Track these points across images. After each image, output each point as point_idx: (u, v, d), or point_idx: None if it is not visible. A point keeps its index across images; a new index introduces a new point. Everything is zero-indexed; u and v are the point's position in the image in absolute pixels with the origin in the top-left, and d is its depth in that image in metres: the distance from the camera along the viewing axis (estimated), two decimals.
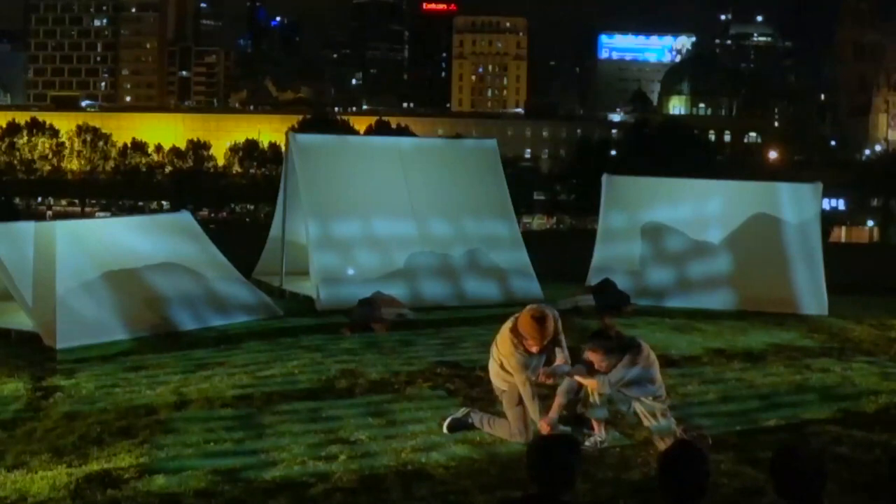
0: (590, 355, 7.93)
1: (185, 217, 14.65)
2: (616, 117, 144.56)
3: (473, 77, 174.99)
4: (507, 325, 8.22)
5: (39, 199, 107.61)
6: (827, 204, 71.61)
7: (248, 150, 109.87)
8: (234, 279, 13.92)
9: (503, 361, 8.18)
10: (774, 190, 16.11)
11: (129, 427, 8.48)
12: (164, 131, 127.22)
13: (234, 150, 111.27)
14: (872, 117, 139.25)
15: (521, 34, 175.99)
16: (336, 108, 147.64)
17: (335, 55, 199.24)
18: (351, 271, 14.53)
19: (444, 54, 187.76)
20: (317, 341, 11.96)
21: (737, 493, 7.01)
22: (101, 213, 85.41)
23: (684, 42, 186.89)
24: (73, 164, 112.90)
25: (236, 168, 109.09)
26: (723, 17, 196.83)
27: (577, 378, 8.00)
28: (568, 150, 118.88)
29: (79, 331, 11.75)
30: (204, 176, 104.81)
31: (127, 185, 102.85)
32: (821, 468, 4.55)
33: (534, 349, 8.06)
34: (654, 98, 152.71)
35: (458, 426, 8.33)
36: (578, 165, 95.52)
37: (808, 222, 15.22)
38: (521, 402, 8.19)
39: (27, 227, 12.83)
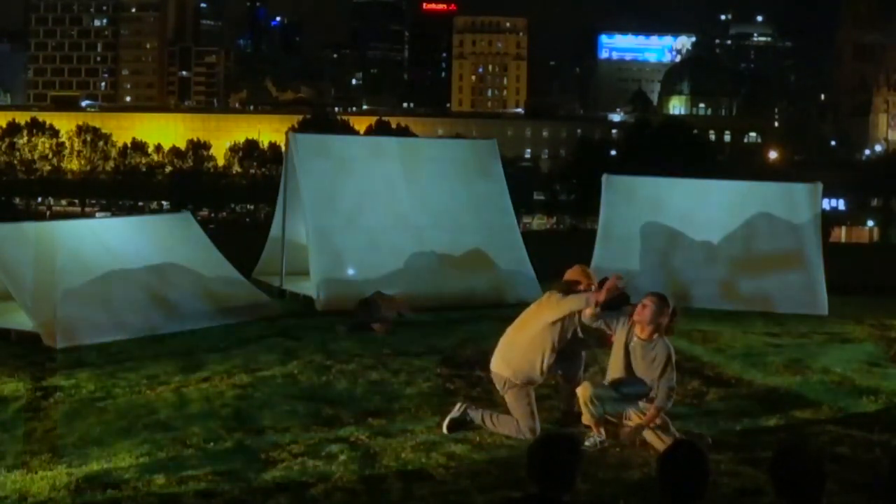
0: (646, 299, 7.99)
1: (185, 217, 14.65)
2: (616, 117, 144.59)
3: (473, 77, 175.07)
4: (544, 297, 8.49)
5: (39, 199, 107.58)
6: (827, 204, 71.49)
7: (248, 150, 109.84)
8: (233, 279, 13.91)
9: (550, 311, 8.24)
10: (774, 190, 16.10)
11: (129, 427, 8.48)
12: (164, 131, 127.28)
13: (234, 150, 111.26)
14: (872, 117, 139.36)
15: (521, 34, 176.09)
16: (336, 108, 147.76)
17: (335, 55, 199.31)
18: (351, 271, 14.52)
19: (444, 54, 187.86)
20: (317, 341, 11.96)
21: (737, 493, 7.01)
22: (101, 213, 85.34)
23: (684, 42, 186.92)
24: (73, 164, 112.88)
25: (236, 168, 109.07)
26: (723, 17, 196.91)
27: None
28: (568, 150, 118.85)
29: (79, 331, 11.75)
30: (204, 176, 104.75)
31: (127, 185, 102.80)
32: (821, 468, 4.55)
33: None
34: (654, 98, 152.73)
35: (457, 425, 8.31)
36: (578, 165, 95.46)
37: (808, 222, 15.22)
38: (529, 399, 8.18)
39: (27, 227, 12.83)
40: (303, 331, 12.60)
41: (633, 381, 8.05)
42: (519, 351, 8.28)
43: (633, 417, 8.06)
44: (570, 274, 8.57)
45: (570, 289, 8.35)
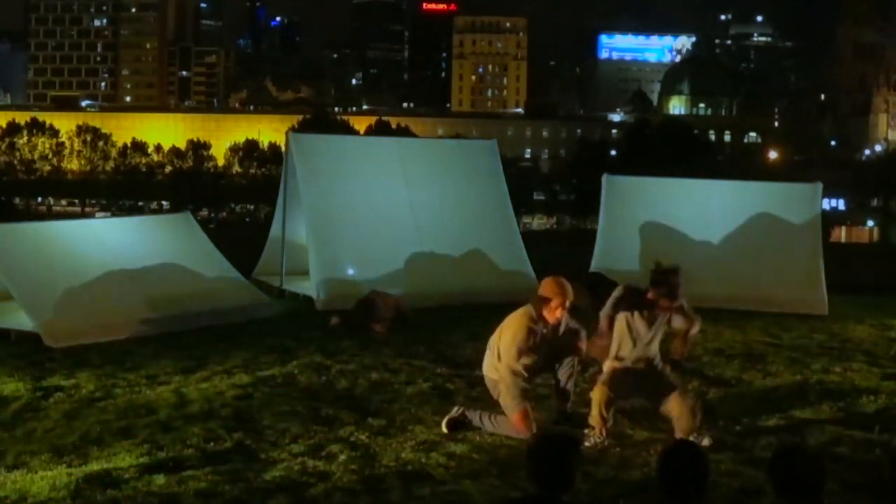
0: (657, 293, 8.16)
1: (185, 217, 14.65)
2: (616, 117, 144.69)
3: (473, 77, 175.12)
4: (520, 310, 8.38)
5: (39, 199, 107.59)
6: (827, 204, 71.50)
7: (248, 150, 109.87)
8: (233, 279, 13.91)
9: (502, 347, 8.22)
10: (774, 190, 16.10)
11: (129, 427, 8.47)
12: (164, 131, 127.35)
13: (234, 150, 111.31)
14: (872, 117, 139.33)
15: (521, 34, 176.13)
16: (336, 108, 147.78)
17: (335, 55, 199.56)
18: (351, 271, 14.52)
19: (444, 54, 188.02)
20: (317, 341, 11.96)
21: (737, 493, 7.01)
22: (101, 213, 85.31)
23: (684, 42, 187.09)
24: (73, 164, 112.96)
25: (236, 168, 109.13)
26: (723, 17, 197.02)
27: None
28: (568, 150, 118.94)
29: (78, 331, 11.74)
30: (204, 176, 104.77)
31: (127, 185, 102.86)
32: (820, 468, 4.55)
33: (558, 312, 8.21)
34: (654, 98, 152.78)
35: (456, 426, 8.31)
36: (578, 165, 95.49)
37: (808, 222, 15.22)
38: (525, 396, 8.17)
39: (27, 227, 12.84)
40: (303, 331, 12.60)
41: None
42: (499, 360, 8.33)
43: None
44: (543, 288, 8.29)
45: (540, 305, 8.23)
